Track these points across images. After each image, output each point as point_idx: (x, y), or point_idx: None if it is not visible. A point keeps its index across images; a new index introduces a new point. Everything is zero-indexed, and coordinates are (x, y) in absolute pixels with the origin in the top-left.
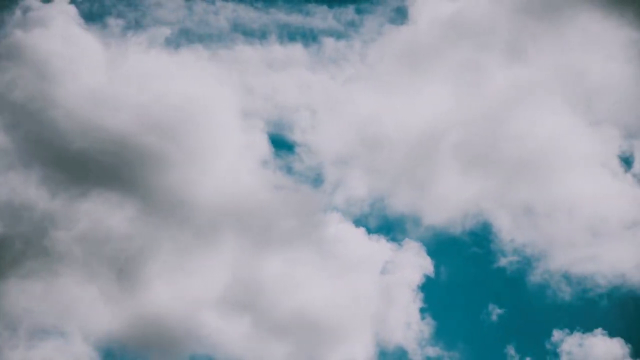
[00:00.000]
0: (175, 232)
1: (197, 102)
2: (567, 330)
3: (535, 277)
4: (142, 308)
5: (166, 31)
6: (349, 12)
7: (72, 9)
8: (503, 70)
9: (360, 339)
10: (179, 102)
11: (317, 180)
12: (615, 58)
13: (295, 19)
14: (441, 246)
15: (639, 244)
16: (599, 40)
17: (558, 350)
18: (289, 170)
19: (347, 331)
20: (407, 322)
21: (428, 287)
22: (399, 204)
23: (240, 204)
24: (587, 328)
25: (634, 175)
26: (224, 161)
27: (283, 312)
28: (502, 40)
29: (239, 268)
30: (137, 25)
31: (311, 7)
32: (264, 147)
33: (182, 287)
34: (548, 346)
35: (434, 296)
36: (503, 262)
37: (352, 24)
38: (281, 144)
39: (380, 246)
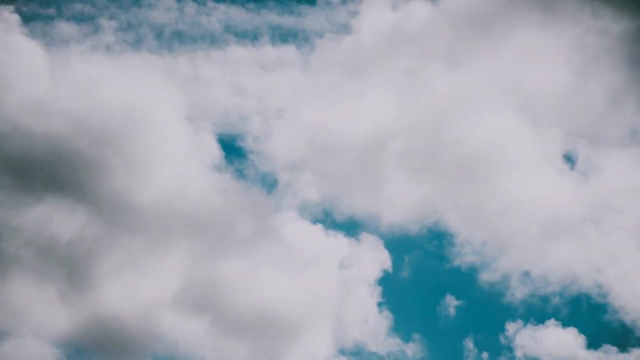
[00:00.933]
0: (125, 235)
1: (142, 108)
2: (520, 322)
3: (488, 274)
4: (96, 310)
5: (111, 38)
6: (293, 20)
7: (15, 16)
8: (444, 77)
9: (320, 334)
10: (122, 108)
11: (270, 183)
12: (552, 65)
13: (241, 21)
14: (398, 242)
15: (587, 240)
16: (536, 49)
17: (512, 344)
18: (241, 174)
19: (306, 326)
20: (365, 316)
21: (386, 282)
22: (353, 204)
23: (192, 208)
24: (540, 320)
25: (578, 173)
26: (172, 165)
27: (242, 310)
28: (442, 49)
29: (195, 270)
30: (82, 32)
31: (259, 10)
32: (215, 151)
33: (137, 289)
34: (503, 340)
35: (392, 290)
36: (457, 259)
37: (293, 33)
38: (233, 149)
39: (338, 242)
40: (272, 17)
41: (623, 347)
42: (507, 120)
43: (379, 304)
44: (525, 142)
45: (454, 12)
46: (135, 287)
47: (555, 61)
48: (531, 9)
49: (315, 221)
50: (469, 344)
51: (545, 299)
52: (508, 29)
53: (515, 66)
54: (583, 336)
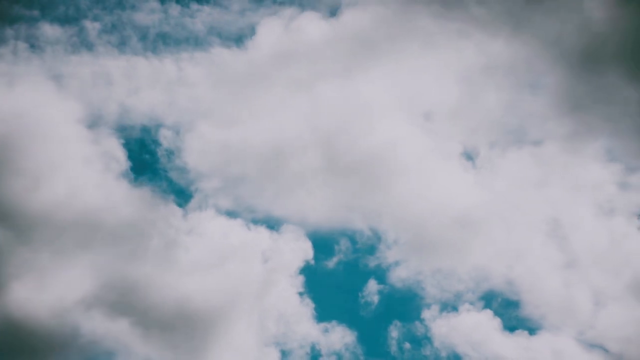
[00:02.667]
0: (28, 242)
1: (36, 117)
2: (437, 312)
3: (403, 270)
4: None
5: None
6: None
7: None
8: (342, 89)
9: (243, 327)
10: (12, 116)
11: (181, 188)
12: (446, 78)
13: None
14: (319, 237)
15: (495, 237)
16: (431, 62)
17: (430, 332)
18: (152, 179)
19: (229, 320)
20: (288, 306)
21: (308, 272)
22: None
23: (100, 213)
24: (454, 307)
25: (477, 170)
26: (74, 173)
27: (163, 309)
28: (340, 63)
29: (110, 273)
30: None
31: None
32: (122, 158)
33: (49, 294)
34: (421, 329)
35: (314, 280)
36: (375, 255)
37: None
38: (142, 156)
39: (260, 235)
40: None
41: (532, 331)
42: (405, 128)
43: (301, 294)
44: (425, 146)
45: (350, 29)
46: (47, 291)
47: (449, 74)
48: (426, 26)
49: (234, 217)
50: (391, 333)
51: (459, 295)
52: (402, 45)
53: (412, 78)
54: (498, 319)
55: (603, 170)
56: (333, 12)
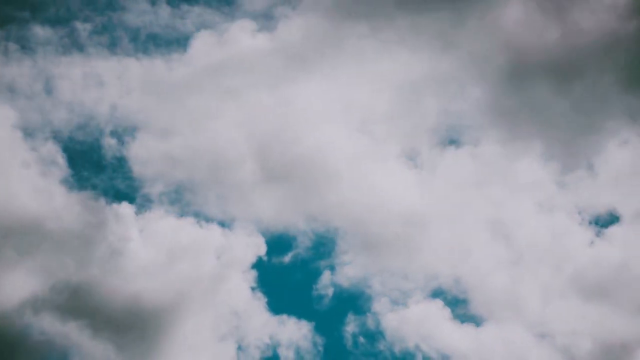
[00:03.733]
0: None
1: None
2: (387, 303)
3: (353, 268)
4: None
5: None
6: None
7: None
8: (284, 97)
9: (198, 323)
10: None
11: (128, 191)
12: (380, 89)
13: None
14: (270, 233)
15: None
16: (366, 74)
17: (382, 326)
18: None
19: (183, 317)
20: (242, 301)
21: (261, 267)
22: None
23: (42, 219)
24: (404, 303)
25: (418, 171)
26: (14, 179)
27: (115, 310)
28: (280, 72)
29: (57, 277)
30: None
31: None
32: (62, 164)
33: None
34: (373, 321)
35: (268, 275)
36: (326, 255)
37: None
38: (84, 160)
39: (211, 233)
40: None
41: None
42: (344, 134)
43: (254, 288)
44: (366, 150)
45: (288, 41)
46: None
47: (382, 85)
48: (359, 39)
49: (183, 216)
50: (345, 326)
51: (407, 292)
52: (336, 57)
53: (347, 87)
54: (448, 312)
55: (541, 170)
56: (268, 23)
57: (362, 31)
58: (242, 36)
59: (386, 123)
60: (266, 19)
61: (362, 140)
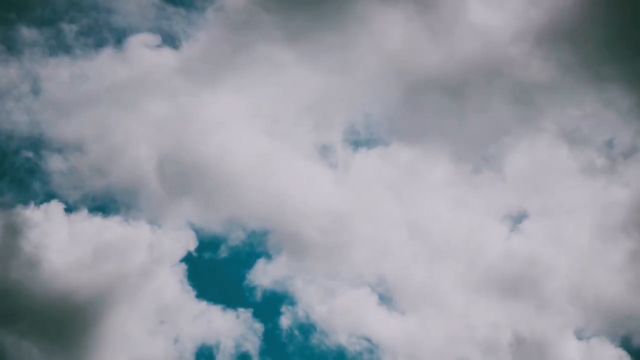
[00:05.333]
0: None
1: None
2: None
3: (277, 266)
4: None
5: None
6: None
7: None
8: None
9: (129, 318)
10: None
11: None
12: (297, 84)
13: None
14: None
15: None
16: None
17: (312, 320)
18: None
19: (115, 312)
20: (175, 295)
21: (191, 261)
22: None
23: None
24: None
25: (331, 165)
26: None
27: (43, 310)
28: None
29: None
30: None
31: None
32: None
33: None
34: (301, 314)
35: (199, 268)
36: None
37: None
38: None
39: (140, 230)
40: None
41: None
42: (253, 137)
43: (185, 282)
44: (284, 149)
45: (193, 56)
46: None
47: (299, 80)
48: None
49: (109, 215)
50: (277, 320)
51: (332, 289)
52: (246, 67)
53: (255, 95)
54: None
55: (451, 171)
56: (171, 36)
57: (268, 44)
58: (145, 50)
59: (297, 126)
60: (170, 32)
61: (274, 143)
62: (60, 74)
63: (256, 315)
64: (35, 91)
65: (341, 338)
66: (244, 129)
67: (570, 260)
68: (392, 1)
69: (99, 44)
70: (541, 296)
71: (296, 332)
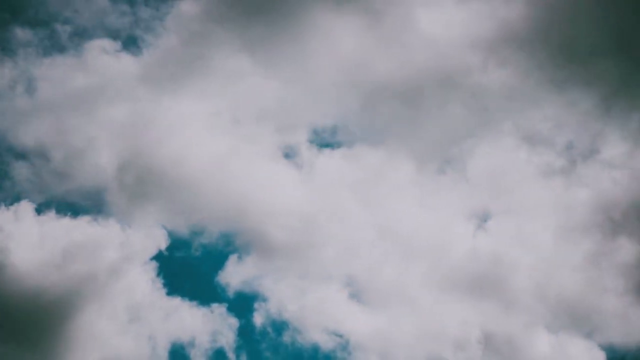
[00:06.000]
0: None
1: None
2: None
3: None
4: None
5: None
6: None
7: None
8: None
9: (100, 317)
10: None
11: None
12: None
13: None
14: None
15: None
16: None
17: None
18: None
19: (85, 313)
20: (146, 293)
21: (162, 259)
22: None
23: None
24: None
25: (296, 167)
26: None
27: (11, 310)
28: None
29: None
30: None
31: None
32: None
33: None
34: (273, 313)
35: (170, 267)
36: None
37: None
38: None
39: (110, 229)
40: None
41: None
42: (219, 140)
43: (156, 281)
44: (247, 152)
45: (152, 63)
46: None
47: (258, 87)
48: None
49: (80, 215)
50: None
51: (303, 288)
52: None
53: (219, 96)
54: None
55: (417, 171)
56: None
57: (226, 52)
58: (104, 55)
59: (259, 129)
60: (129, 38)
61: (237, 146)
62: (17, 80)
63: (231, 309)
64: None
65: (314, 335)
66: (205, 133)
67: (534, 259)
68: (347, 13)
69: (57, 49)
70: (507, 293)
71: (269, 329)
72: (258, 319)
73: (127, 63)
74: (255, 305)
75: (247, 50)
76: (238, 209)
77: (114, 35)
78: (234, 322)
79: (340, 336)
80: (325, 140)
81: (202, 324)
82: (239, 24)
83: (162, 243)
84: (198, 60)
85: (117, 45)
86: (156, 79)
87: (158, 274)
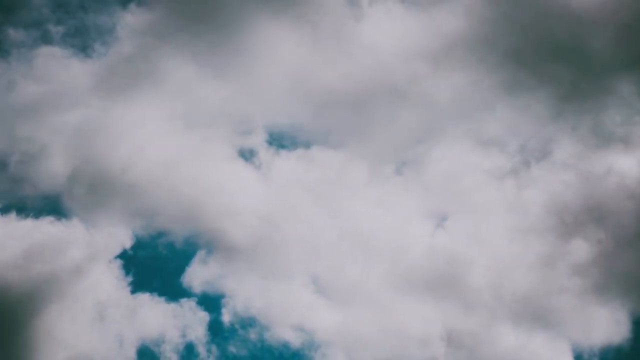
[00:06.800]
0: None
1: None
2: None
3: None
4: None
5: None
6: None
7: None
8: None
9: (66, 317)
10: None
11: None
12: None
13: None
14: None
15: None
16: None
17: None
18: None
19: (51, 314)
20: (112, 291)
21: (126, 258)
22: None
23: None
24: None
25: (255, 166)
26: None
27: None
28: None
29: None
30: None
31: None
32: None
33: None
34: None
35: (133, 265)
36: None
37: None
38: None
39: (73, 228)
40: None
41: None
42: (175, 143)
43: (122, 279)
44: (204, 154)
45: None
46: None
47: (209, 94)
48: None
49: (41, 216)
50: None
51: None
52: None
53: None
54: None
55: (374, 173)
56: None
57: (176, 61)
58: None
59: (214, 130)
60: (81, 46)
61: (194, 149)
62: None
63: (200, 303)
64: None
65: (280, 331)
66: (158, 137)
67: (490, 259)
68: (290, 25)
69: (6, 56)
70: (466, 291)
71: (237, 326)
72: (225, 317)
73: (78, 71)
74: (222, 302)
75: (195, 60)
76: (196, 210)
77: (64, 43)
78: (203, 315)
79: (306, 332)
80: (282, 142)
81: (171, 319)
82: (186, 35)
83: (127, 242)
84: (148, 69)
85: (68, 53)
86: (107, 87)
87: (124, 272)
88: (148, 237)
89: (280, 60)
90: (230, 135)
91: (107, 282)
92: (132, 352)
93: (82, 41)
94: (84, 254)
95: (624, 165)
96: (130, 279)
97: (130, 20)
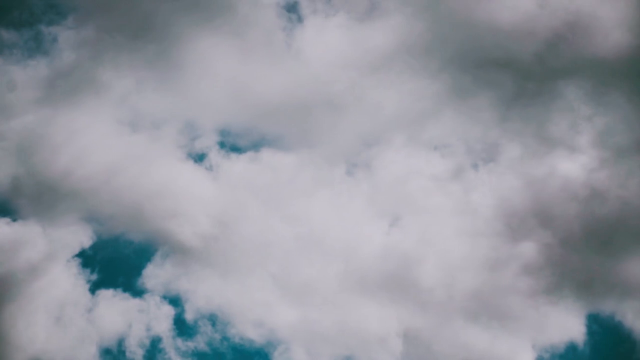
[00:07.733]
0: None
1: None
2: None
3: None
4: None
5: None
6: None
7: None
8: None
9: (26, 314)
10: None
11: None
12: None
13: None
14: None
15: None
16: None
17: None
18: None
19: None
20: (70, 289)
21: (85, 256)
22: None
23: None
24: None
25: (207, 168)
26: None
27: None
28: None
29: None
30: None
31: None
32: None
33: None
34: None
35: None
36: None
37: None
38: None
39: (29, 228)
40: None
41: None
42: (123, 147)
43: (81, 277)
44: (148, 155)
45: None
46: None
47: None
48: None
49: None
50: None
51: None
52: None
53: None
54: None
55: (326, 173)
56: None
57: (117, 71)
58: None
59: (160, 135)
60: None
61: (144, 152)
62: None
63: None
64: None
65: (241, 329)
66: (102, 143)
67: (440, 260)
68: (228, 39)
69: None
70: (420, 291)
71: (199, 323)
72: (188, 314)
73: (20, 79)
74: (182, 300)
75: (134, 72)
76: (148, 212)
77: (6, 51)
78: (168, 309)
79: (267, 329)
80: (233, 145)
81: (135, 314)
82: (123, 49)
83: (85, 242)
84: (89, 79)
85: (10, 61)
86: (49, 96)
87: (84, 271)
88: (107, 237)
89: (216, 72)
90: (179, 138)
91: (65, 281)
92: (94, 350)
93: (25, 50)
94: (40, 254)
95: (568, 168)
96: (90, 277)
97: (69, 33)
